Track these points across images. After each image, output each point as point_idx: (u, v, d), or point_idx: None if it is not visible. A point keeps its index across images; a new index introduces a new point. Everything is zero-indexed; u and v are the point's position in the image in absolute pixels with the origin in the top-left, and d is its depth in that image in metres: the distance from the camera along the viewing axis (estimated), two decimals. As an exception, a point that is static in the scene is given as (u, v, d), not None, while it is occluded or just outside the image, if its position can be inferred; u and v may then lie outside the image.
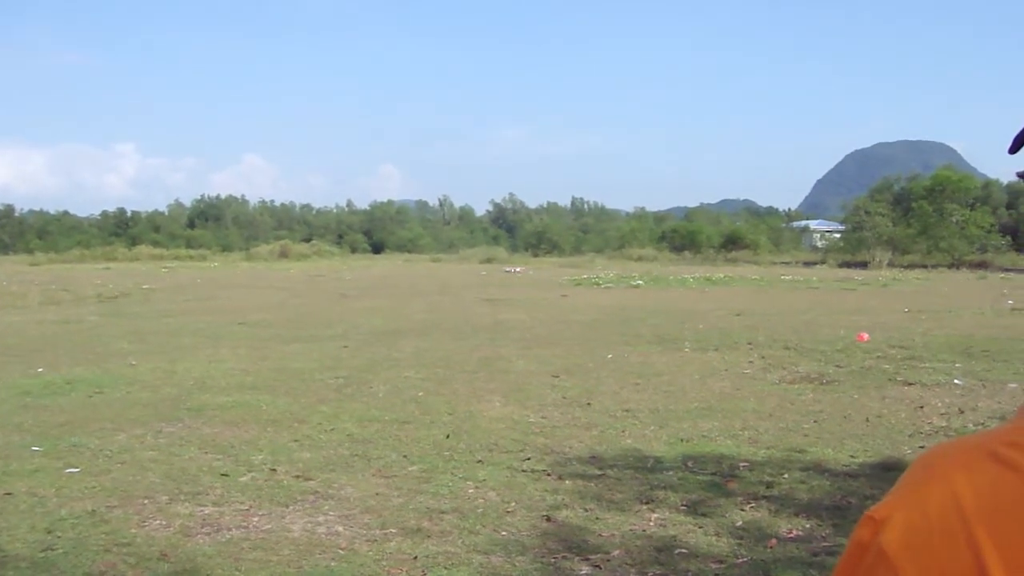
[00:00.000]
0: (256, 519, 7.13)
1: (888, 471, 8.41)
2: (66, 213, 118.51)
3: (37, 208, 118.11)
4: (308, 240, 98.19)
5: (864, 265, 57.89)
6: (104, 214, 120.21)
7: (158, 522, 7.06)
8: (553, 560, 6.18)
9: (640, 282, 40.96)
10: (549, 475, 8.36)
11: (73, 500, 7.64)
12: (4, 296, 33.54)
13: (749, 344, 17.63)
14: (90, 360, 16.13)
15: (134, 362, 15.79)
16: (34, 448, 9.48)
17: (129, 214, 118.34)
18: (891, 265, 57.92)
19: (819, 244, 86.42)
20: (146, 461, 8.96)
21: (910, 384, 13.10)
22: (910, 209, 68.24)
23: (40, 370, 14.88)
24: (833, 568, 1.10)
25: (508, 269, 56.07)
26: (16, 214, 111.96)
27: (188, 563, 6.17)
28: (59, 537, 6.70)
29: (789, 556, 6.23)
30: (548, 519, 7.06)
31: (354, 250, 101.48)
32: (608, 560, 6.18)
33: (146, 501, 7.62)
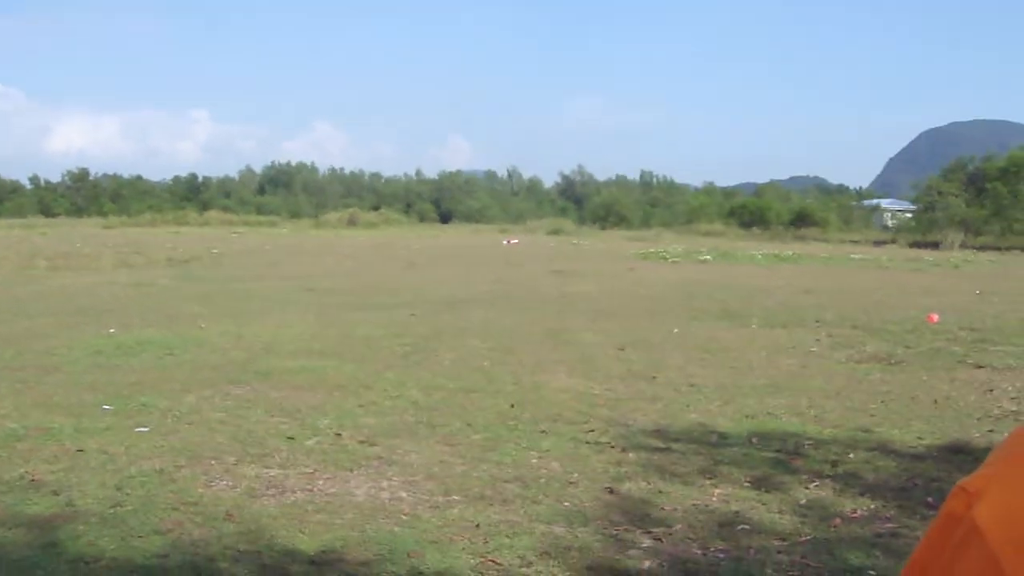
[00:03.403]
0: (321, 482, 7.20)
1: (956, 454, 8.32)
2: (139, 178, 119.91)
3: (111, 172, 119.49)
4: (377, 208, 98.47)
5: (935, 246, 56.93)
6: (176, 179, 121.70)
7: (225, 483, 7.16)
8: (615, 532, 6.18)
9: (708, 257, 40.69)
10: (613, 447, 8.36)
11: (142, 459, 7.76)
12: (78, 258, 34.08)
13: (817, 322, 17.48)
14: (160, 322, 16.35)
15: (203, 325, 15.99)
16: (105, 407, 9.63)
17: (200, 180, 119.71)
18: (963, 246, 56.96)
19: (890, 224, 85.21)
20: (214, 422, 9.08)
21: (980, 367, 12.92)
22: (984, 190, 67.00)
23: (112, 331, 15.11)
24: (916, 543, 1.08)
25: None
26: (91, 178, 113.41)
27: (253, 524, 6.25)
28: (128, 494, 6.81)
29: (853, 536, 6.18)
30: (611, 491, 7.05)
31: (422, 219, 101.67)
32: (670, 534, 6.17)
33: (213, 462, 7.72)
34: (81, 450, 8.00)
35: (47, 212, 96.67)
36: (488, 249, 47.48)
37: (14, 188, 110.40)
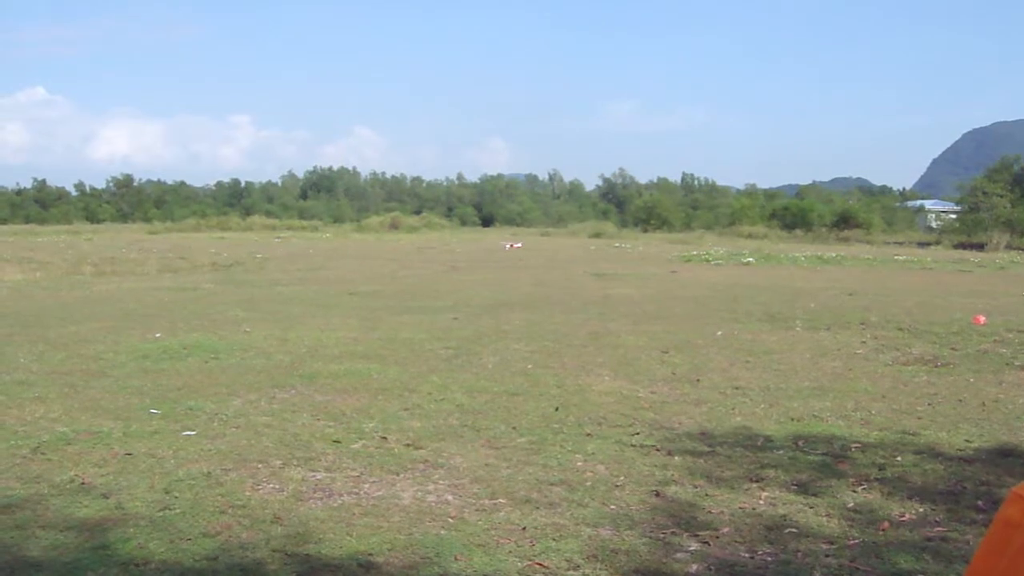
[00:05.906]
0: (367, 486, 7.22)
1: (1005, 457, 8.24)
2: (182, 183, 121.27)
3: (155, 178, 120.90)
4: (418, 212, 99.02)
5: (981, 247, 56.37)
6: (219, 184, 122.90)
7: (272, 486, 7.19)
8: (662, 535, 6.17)
9: (750, 259, 40.49)
10: (658, 450, 8.34)
11: (190, 462, 7.82)
12: (124, 263, 34.38)
13: (861, 324, 17.35)
14: (205, 326, 16.46)
15: (248, 329, 16.08)
16: (153, 411, 9.72)
17: (243, 185, 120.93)
18: (1009, 247, 56.35)
19: (934, 225, 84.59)
20: (260, 426, 9.13)
21: (1029, 369, 12.79)
22: (1030, 190, 66.39)
23: (158, 335, 15.22)
24: (977, 546, 1.07)
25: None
26: (135, 184, 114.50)
27: (301, 527, 6.28)
28: (176, 498, 6.86)
29: (902, 540, 6.13)
30: (657, 494, 7.04)
31: (464, 223, 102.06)
32: (717, 537, 6.14)
33: (260, 465, 7.76)
34: (129, 454, 8.07)
35: (92, 218, 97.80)
36: (529, 252, 47.48)
37: (60, 195, 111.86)
